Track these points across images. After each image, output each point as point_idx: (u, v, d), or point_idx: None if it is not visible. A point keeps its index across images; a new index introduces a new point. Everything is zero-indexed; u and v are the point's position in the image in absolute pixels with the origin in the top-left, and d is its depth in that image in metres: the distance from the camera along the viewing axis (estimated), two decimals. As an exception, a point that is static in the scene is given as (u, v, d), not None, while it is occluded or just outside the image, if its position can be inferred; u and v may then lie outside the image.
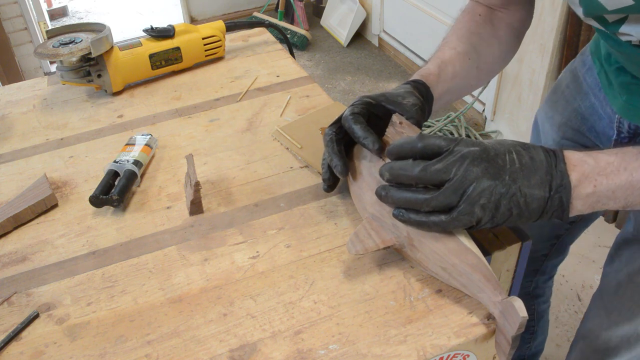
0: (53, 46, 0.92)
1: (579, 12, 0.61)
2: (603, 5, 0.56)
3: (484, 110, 2.35)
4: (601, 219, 1.87)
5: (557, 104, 0.89)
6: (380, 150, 0.59)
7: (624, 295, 0.74)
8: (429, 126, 2.35)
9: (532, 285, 1.11)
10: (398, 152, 0.55)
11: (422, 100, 0.66)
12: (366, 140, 0.59)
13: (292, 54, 1.11)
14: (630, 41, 0.61)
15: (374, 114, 0.63)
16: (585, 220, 1.00)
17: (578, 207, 0.52)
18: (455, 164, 0.51)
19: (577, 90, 0.85)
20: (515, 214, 0.52)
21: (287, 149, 0.81)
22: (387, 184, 0.56)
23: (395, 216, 0.55)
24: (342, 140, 0.64)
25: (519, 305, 0.48)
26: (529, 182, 0.51)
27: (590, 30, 1.71)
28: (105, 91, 0.98)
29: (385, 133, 0.62)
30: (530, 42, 1.93)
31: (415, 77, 0.70)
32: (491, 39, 0.75)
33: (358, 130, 0.60)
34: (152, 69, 0.99)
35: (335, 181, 0.67)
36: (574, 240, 1.05)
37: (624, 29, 0.59)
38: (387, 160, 0.60)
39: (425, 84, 0.68)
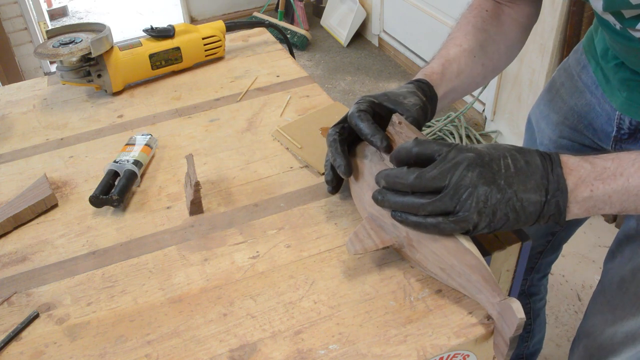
0: (53, 46, 0.92)
1: (598, 5, 0.61)
2: (628, 0, 0.56)
3: (484, 110, 2.35)
4: (601, 218, 1.87)
5: (553, 103, 0.89)
6: (388, 147, 0.59)
7: (628, 291, 0.74)
8: (429, 126, 2.35)
9: (527, 283, 1.11)
10: (395, 157, 0.56)
11: (425, 100, 0.66)
12: (374, 138, 0.59)
13: (292, 54, 1.12)
14: None
15: (378, 113, 0.63)
16: (580, 219, 1.00)
17: (574, 211, 0.52)
18: (450, 171, 0.51)
19: (572, 89, 0.85)
20: (512, 218, 0.52)
21: (287, 149, 0.81)
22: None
23: (393, 217, 0.55)
24: (346, 141, 0.64)
25: (516, 306, 0.48)
26: (524, 187, 0.51)
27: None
28: (105, 91, 0.98)
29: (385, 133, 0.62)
30: (530, 42, 1.93)
31: (419, 76, 0.70)
32: (497, 35, 0.75)
33: (365, 127, 0.60)
34: (152, 69, 0.99)
35: (339, 182, 0.67)
36: (568, 237, 1.05)
37: None
38: (388, 161, 0.60)
39: (429, 83, 0.68)
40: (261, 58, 1.08)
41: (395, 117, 0.62)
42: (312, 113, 0.88)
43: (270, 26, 1.15)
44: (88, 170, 0.79)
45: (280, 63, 1.06)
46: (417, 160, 0.54)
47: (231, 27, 1.08)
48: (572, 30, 1.79)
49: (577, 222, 1.03)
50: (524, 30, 0.78)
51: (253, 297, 0.57)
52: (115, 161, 0.75)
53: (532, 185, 0.51)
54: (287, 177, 0.75)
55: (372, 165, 0.62)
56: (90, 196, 0.69)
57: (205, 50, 1.04)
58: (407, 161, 0.55)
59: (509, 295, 0.69)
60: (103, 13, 4.07)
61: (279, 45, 1.14)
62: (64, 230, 0.69)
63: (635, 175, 0.50)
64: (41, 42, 2.66)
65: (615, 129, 0.77)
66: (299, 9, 3.35)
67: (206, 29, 1.04)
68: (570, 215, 0.53)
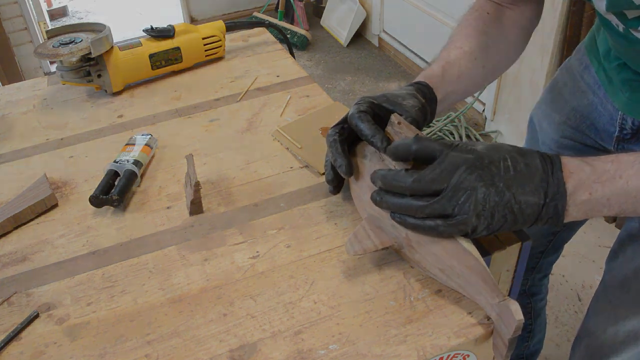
0: (53, 46, 0.92)
1: (601, 5, 0.61)
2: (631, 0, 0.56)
3: (484, 110, 2.35)
4: (601, 218, 1.87)
5: (555, 103, 0.89)
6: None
7: (631, 290, 0.74)
8: (429, 126, 2.35)
9: (528, 283, 1.11)
10: (394, 153, 0.55)
11: (424, 102, 0.66)
12: (374, 139, 0.59)
13: (292, 54, 1.11)
14: None
15: (377, 114, 0.63)
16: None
17: (573, 214, 0.53)
18: (449, 173, 0.51)
19: (574, 89, 0.85)
20: (510, 220, 0.52)
21: (287, 149, 0.81)
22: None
23: (392, 218, 0.55)
24: (346, 141, 0.64)
25: (515, 308, 0.48)
26: (523, 190, 0.51)
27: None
28: (105, 91, 0.98)
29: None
30: (531, 42, 1.91)
31: (419, 78, 0.70)
32: (499, 37, 0.75)
33: (365, 128, 0.60)
34: (152, 69, 0.99)
35: (340, 182, 0.67)
36: (570, 237, 1.05)
37: None
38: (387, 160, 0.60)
39: (429, 85, 0.68)
40: (261, 58, 1.08)
41: (394, 117, 0.62)
42: (312, 113, 0.88)
43: (270, 26, 1.15)
44: (88, 170, 0.79)
45: (280, 63, 1.06)
46: (416, 158, 0.54)
47: (231, 27, 1.08)
48: (572, 30, 1.79)
49: (579, 222, 1.03)
50: (525, 32, 0.78)
51: (253, 297, 0.57)
52: (115, 161, 0.75)
53: (530, 188, 0.51)
54: (287, 177, 0.75)
55: (372, 165, 0.62)
56: (90, 196, 0.69)
57: (205, 50, 1.04)
58: (405, 157, 0.55)
59: (510, 295, 0.69)
60: (103, 13, 4.07)
61: (279, 45, 1.14)
62: (64, 230, 0.69)
63: (634, 177, 0.50)
64: (41, 42, 2.66)
65: (617, 129, 0.77)
66: (299, 9, 3.34)
67: (206, 29, 1.04)
68: (569, 218, 0.53)
